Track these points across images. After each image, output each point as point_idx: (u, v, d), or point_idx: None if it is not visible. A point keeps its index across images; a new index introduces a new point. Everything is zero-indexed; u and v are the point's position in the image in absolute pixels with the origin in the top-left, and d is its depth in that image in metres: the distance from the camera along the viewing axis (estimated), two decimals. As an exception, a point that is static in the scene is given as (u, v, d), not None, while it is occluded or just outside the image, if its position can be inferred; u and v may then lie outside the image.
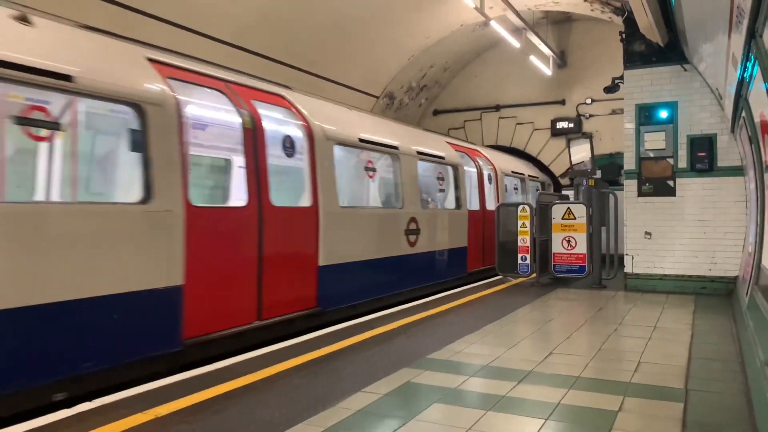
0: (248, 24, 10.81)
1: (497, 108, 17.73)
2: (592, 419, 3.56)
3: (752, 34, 3.72)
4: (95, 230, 4.48)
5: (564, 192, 15.69)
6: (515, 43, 13.76)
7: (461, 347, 5.34)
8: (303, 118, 7.01)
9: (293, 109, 6.98)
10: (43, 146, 5.02)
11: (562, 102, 16.98)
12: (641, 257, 9.04)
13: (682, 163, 8.81)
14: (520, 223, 9.92)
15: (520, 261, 9.90)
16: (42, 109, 4.58)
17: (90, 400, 3.84)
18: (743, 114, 5.76)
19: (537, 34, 14.23)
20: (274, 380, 4.30)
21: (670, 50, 8.71)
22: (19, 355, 4.02)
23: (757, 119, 4.79)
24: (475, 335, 5.83)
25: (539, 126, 17.30)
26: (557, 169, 17.26)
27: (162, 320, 4.97)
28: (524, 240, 9.88)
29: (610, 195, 9.75)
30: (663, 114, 8.94)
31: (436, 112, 18.48)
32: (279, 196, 6.38)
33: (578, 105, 16.79)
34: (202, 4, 9.80)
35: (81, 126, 5.07)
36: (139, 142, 4.89)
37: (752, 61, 4.09)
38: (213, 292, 5.47)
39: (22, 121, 4.50)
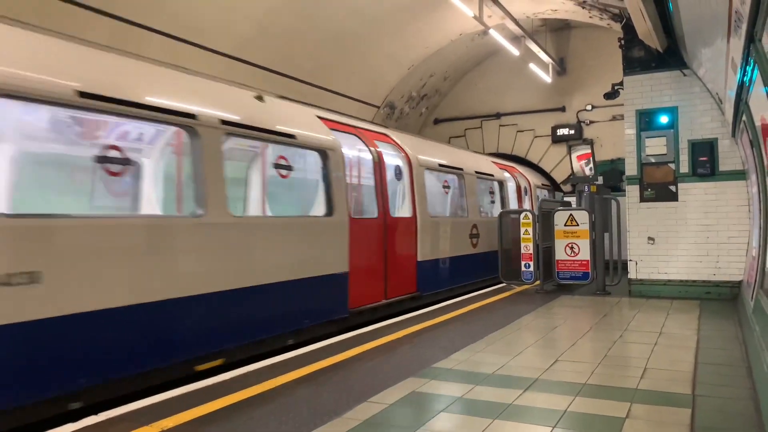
0: (248, 37, 10.87)
1: (498, 116, 17.78)
2: (600, 426, 3.55)
3: (751, 38, 3.74)
4: (308, 234, 6.80)
5: (566, 199, 15.73)
6: (514, 51, 13.82)
7: (467, 356, 5.33)
8: (403, 150, 9.34)
9: (396, 144, 9.31)
10: (285, 181, 7.23)
11: (563, 109, 17.03)
12: (645, 263, 9.03)
13: (684, 167, 8.82)
14: (522, 230, 9.92)
15: (523, 268, 9.90)
16: (284, 158, 6.93)
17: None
18: (744, 118, 5.78)
19: (536, 42, 14.30)
20: (281, 391, 4.29)
21: (669, 56, 8.75)
22: (275, 315, 6.19)
23: (758, 123, 4.81)
24: (481, 343, 5.82)
25: (540, 133, 17.35)
26: (559, 176, 17.28)
27: (339, 295, 7.21)
28: (527, 247, 9.88)
29: (613, 201, 9.75)
30: (663, 119, 8.96)
31: (436, 121, 18.54)
32: (393, 209, 8.81)
33: (578, 111, 16.84)
34: (201, 18, 9.87)
35: (298, 167, 7.26)
36: (325, 175, 7.16)
37: (752, 65, 4.10)
38: (362, 278, 7.67)
39: (276, 166, 6.95)
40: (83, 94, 4.41)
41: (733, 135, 7.88)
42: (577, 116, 16.86)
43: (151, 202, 5.91)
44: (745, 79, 4.69)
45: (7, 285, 3.81)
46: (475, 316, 7.45)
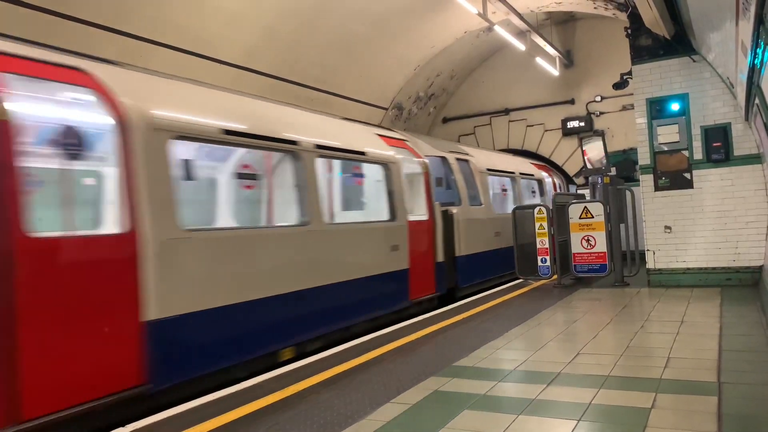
0: (255, 46, 10.94)
1: (506, 111, 17.73)
2: (625, 418, 3.52)
3: (761, 20, 3.70)
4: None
5: (579, 191, 15.63)
6: (520, 46, 13.77)
7: (487, 353, 5.32)
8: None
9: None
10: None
11: (572, 101, 16.94)
12: (662, 252, 8.95)
13: (698, 154, 8.73)
14: (537, 225, 9.86)
15: (540, 263, 9.83)
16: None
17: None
18: (756, 101, 5.71)
19: (541, 36, 14.24)
20: (303, 396, 4.31)
21: (677, 42, 8.67)
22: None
23: (771, 105, 4.75)
24: (501, 340, 5.81)
25: (550, 127, 17.26)
26: (571, 168, 17.18)
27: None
28: (543, 242, 9.81)
29: (627, 191, 9.67)
30: (674, 106, 8.88)
31: (445, 120, 18.52)
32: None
33: (588, 103, 16.74)
34: (209, 30, 9.94)
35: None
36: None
37: (762, 47, 4.06)
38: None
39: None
40: None
41: (747, 119, 7.80)
42: (587, 108, 16.76)
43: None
44: (756, 61, 4.64)
45: None
46: (494, 313, 7.42)
